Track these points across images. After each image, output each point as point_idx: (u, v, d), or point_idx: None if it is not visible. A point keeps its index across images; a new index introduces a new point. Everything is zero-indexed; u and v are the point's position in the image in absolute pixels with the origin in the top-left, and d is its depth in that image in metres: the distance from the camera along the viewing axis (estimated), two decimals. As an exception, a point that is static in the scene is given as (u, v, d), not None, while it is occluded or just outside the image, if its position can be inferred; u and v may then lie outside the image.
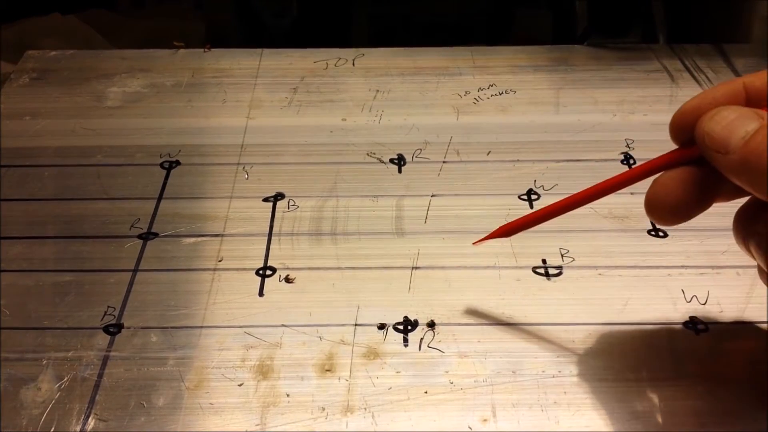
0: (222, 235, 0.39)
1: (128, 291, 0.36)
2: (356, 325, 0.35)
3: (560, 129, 0.46)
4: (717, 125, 0.26)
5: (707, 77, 0.51)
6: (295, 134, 0.46)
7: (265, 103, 0.49)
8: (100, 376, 0.33)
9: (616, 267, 0.37)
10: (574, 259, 0.38)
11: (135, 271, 0.37)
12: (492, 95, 0.50)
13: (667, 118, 0.29)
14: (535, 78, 0.51)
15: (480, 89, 0.50)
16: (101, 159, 0.44)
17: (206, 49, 0.54)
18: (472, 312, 0.35)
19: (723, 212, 0.30)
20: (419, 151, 0.45)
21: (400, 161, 0.44)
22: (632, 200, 0.38)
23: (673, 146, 0.29)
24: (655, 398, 0.31)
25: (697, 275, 0.37)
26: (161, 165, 0.44)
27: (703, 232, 0.39)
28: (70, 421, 0.31)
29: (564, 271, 0.37)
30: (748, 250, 0.29)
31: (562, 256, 0.38)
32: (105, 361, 0.33)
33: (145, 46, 0.55)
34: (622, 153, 0.44)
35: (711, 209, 0.29)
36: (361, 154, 0.45)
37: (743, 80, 0.28)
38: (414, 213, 0.41)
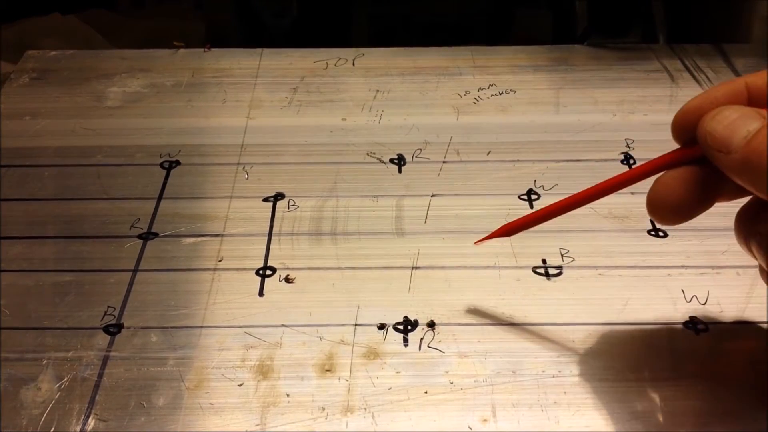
0: (222, 235, 0.39)
1: (128, 291, 0.36)
2: (356, 325, 0.35)
3: (560, 129, 0.46)
4: (719, 125, 0.26)
5: (707, 77, 0.51)
6: (295, 134, 0.46)
7: (265, 103, 0.49)
8: (100, 376, 0.33)
9: (616, 267, 0.37)
10: (574, 259, 0.38)
11: (135, 271, 0.37)
12: (492, 95, 0.50)
13: (667, 118, 0.29)
14: (535, 78, 0.51)
15: (480, 89, 0.50)
16: (101, 159, 0.44)
17: (206, 49, 0.54)
18: (472, 312, 0.35)
19: (723, 212, 0.30)
20: (419, 151, 0.45)
21: (400, 161, 0.44)
22: (632, 200, 0.38)
23: (675, 146, 0.29)
24: (655, 398, 0.31)
25: (697, 275, 0.37)
26: (161, 165, 0.44)
27: (703, 232, 0.39)
28: (70, 421, 0.31)
29: (564, 271, 0.37)
30: (750, 250, 0.29)
31: (562, 256, 0.38)
32: (105, 361, 0.33)
33: (145, 46, 0.55)
34: (622, 153, 0.44)
35: (711, 209, 0.29)
36: (361, 154, 0.45)
37: (745, 80, 0.28)
38: (414, 213, 0.41)
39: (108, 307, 0.36)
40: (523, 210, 0.41)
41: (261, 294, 0.36)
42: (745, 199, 0.29)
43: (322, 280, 0.37)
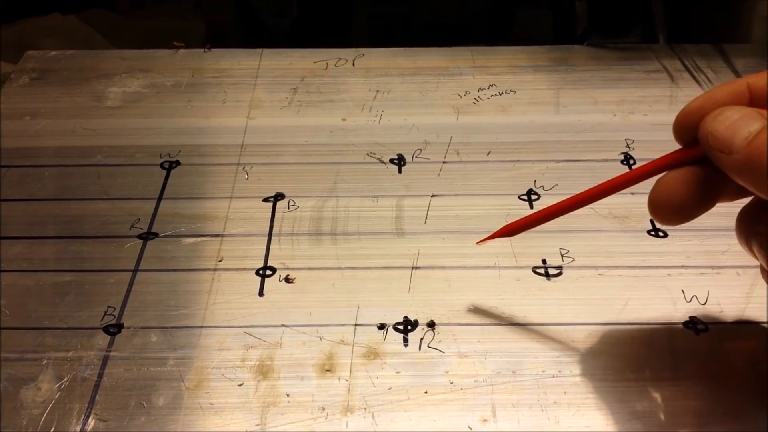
0: (222, 235, 0.39)
1: (128, 291, 0.36)
2: (356, 325, 0.35)
3: (560, 129, 0.46)
4: (720, 125, 0.27)
5: (707, 77, 0.51)
6: (295, 134, 0.46)
7: (265, 103, 0.49)
8: (100, 376, 0.33)
9: (616, 267, 0.37)
10: (574, 259, 0.38)
11: (135, 271, 0.37)
12: (492, 95, 0.50)
13: (667, 118, 0.29)
14: (535, 78, 0.51)
15: (480, 89, 0.50)
16: (101, 159, 0.44)
17: (206, 49, 0.54)
18: (472, 312, 0.35)
19: (723, 212, 0.30)
20: (419, 151, 0.45)
21: (400, 161, 0.44)
22: (632, 200, 0.38)
23: (675, 146, 0.29)
24: (655, 398, 0.31)
25: (697, 275, 0.37)
26: (161, 165, 0.44)
27: (704, 232, 0.39)
28: (70, 421, 0.31)
29: (564, 271, 0.37)
30: (751, 250, 0.29)
31: (562, 256, 0.38)
32: (105, 361, 0.33)
33: (145, 46, 0.55)
34: (622, 153, 0.44)
35: (712, 209, 0.29)
36: (361, 154, 0.45)
37: (746, 80, 0.28)
38: (414, 213, 0.41)
39: (108, 307, 0.36)
40: (524, 210, 0.41)
41: (261, 294, 0.36)
42: (747, 200, 0.29)
43: (322, 280, 0.37)
